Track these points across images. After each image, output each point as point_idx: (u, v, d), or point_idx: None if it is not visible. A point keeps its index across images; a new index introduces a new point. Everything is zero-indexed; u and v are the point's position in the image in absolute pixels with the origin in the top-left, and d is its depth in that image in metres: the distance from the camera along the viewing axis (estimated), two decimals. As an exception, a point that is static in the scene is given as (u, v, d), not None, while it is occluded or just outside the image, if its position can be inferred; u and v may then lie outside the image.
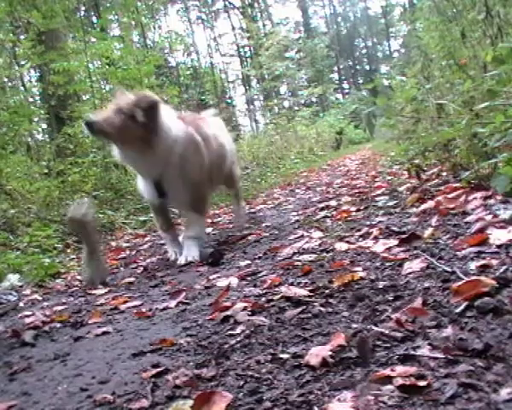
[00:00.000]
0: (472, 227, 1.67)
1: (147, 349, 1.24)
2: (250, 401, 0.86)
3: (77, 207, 2.33)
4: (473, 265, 1.30)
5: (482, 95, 2.46)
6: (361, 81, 39.51)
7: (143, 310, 1.68)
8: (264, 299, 1.46)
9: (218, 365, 1.05)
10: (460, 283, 1.14)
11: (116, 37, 8.17)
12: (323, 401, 0.82)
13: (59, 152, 6.39)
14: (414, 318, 1.06)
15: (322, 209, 3.25)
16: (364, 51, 44.70)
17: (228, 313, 1.38)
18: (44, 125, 8.50)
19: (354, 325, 1.11)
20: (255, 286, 1.66)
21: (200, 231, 2.64)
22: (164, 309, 1.64)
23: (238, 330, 1.23)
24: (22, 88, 8.16)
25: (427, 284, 1.26)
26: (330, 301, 1.32)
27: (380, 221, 2.29)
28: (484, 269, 1.25)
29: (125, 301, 1.87)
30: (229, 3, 32.45)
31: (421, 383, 0.79)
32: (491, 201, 1.93)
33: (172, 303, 1.67)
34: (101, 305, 1.91)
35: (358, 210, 2.80)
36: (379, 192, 3.34)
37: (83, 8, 9.42)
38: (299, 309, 1.29)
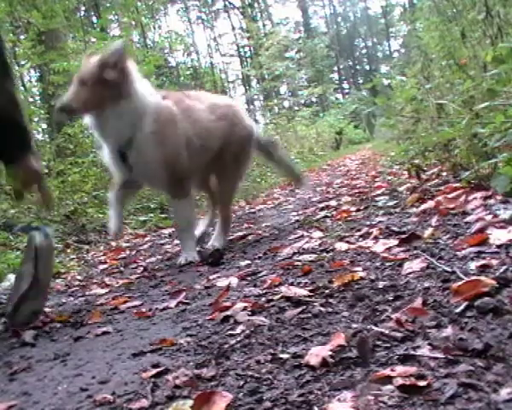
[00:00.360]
0: (472, 227, 1.66)
1: (147, 349, 1.24)
2: (250, 401, 0.86)
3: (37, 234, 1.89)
4: (473, 265, 1.30)
5: (482, 95, 2.46)
6: (361, 81, 39.52)
7: (143, 310, 1.68)
8: (264, 299, 1.46)
9: (218, 365, 1.05)
10: (460, 283, 1.13)
11: (116, 37, 8.17)
12: (323, 401, 0.82)
13: (59, 152, 6.39)
14: (414, 318, 1.06)
15: (322, 209, 3.25)
16: (364, 51, 44.70)
17: (228, 313, 1.38)
18: (44, 125, 8.50)
19: (354, 325, 1.11)
20: (255, 286, 1.66)
21: (189, 218, 2.47)
22: (164, 309, 1.64)
23: (238, 330, 1.23)
24: (22, 88, 8.15)
25: (427, 284, 1.26)
26: (330, 301, 1.32)
27: (380, 221, 2.29)
28: (484, 269, 1.25)
29: (125, 301, 1.87)
30: (229, 3, 32.46)
31: (421, 383, 0.79)
32: (491, 201, 1.93)
33: (172, 303, 1.67)
34: (101, 305, 1.91)
35: (358, 210, 2.80)
36: (379, 192, 3.34)
37: (83, 8, 9.42)
38: (299, 309, 1.29)
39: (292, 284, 1.56)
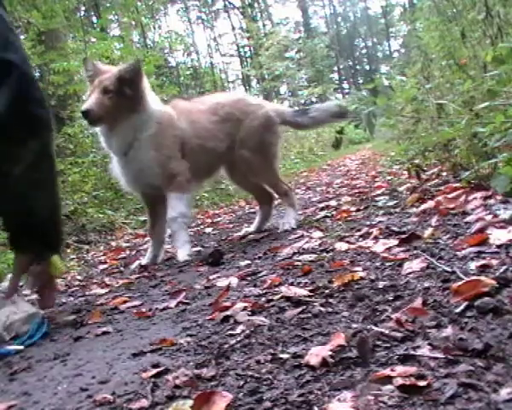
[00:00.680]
0: (472, 227, 1.66)
1: (147, 349, 1.24)
2: (250, 401, 0.86)
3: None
4: (473, 265, 1.30)
5: (482, 95, 2.46)
6: (361, 81, 39.53)
7: (143, 310, 1.68)
8: (264, 299, 1.46)
9: (218, 365, 1.05)
10: (460, 283, 1.13)
11: (116, 37, 8.17)
12: (323, 401, 0.82)
13: (59, 152, 6.38)
14: (414, 318, 1.06)
15: (322, 209, 3.25)
16: (364, 51, 44.71)
17: (228, 313, 1.38)
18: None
19: (354, 325, 1.11)
20: (255, 286, 1.66)
21: (183, 213, 2.52)
22: (164, 309, 1.64)
23: (238, 330, 1.23)
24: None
25: (427, 284, 1.26)
26: (330, 301, 1.32)
27: (380, 221, 2.29)
28: (484, 269, 1.25)
29: (125, 301, 1.87)
30: (229, 3, 32.47)
31: (421, 383, 0.79)
32: (491, 201, 1.93)
33: (172, 303, 1.67)
34: (101, 305, 1.91)
35: (358, 210, 2.80)
36: (379, 192, 3.34)
37: (83, 8, 9.42)
38: (299, 309, 1.29)
39: (292, 284, 1.56)
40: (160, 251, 2.69)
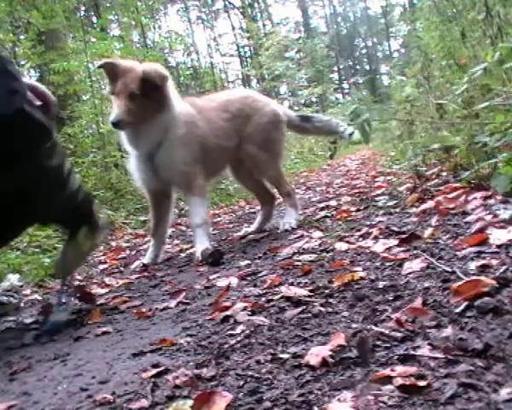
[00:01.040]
0: (472, 227, 1.66)
1: (147, 349, 1.24)
2: (250, 401, 0.86)
3: None
4: (473, 265, 1.30)
5: (481, 94, 2.46)
6: (361, 81, 39.52)
7: (143, 310, 1.68)
8: (264, 299, 1.46)
9: (218, 365, 1.05)
10: (460, 283, 1.13)
11: (116, 37, 8.16)
12: (323, 400, 0.82)
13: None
14: (414, 318, 1.06)
15: (322, 209, 3.25)
16: (364, 51, 44.71)
17: (228, 313, 1.38)
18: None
19: (354, 325, 1.11)
20: (255, 286, 1.66)
21: (203, 216, 2.55)
22: (164, 309, 1.64)
23: (238, 330, 1.23)
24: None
25: (427, 284, 1.26)
26: (330, 301, 1.32)
27: (380, 221, 2.29)
28: (484, 269, 1.25)
29: (125, 301, 1.87)
30: (229, 3, 32.45)
31: (421, 383, 0.79)
32: (491, 201, 1.93)
33: (172, 303, 1.67)
34: (101, 305, 1.91)
35: (358, 210, 2.80)
36: (379, 192, 3.34)
37: (83, 8, 9.40)
38: (299, 309, 1.29)
39: (292, 284, 1.56)
40: (160, 251, 2.71)
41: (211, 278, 1.96)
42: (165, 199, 2.68)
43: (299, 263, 1.84)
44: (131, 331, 1.46)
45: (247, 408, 0.84)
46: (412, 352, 0.91)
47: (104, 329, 1.52)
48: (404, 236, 1.80)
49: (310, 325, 1.18)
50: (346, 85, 41.50)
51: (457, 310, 1.05)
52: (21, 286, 2.56)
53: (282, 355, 1.02)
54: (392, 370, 0.84)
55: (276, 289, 1.53)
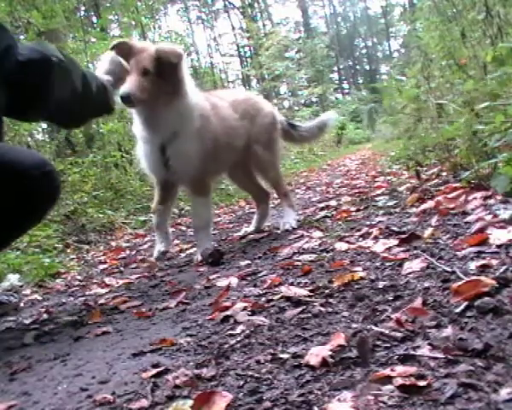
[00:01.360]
0: (472, 227, 1.66)
1: (147, 349, 1.24)
2: (250, 401, 0.86)
3: None
4: (473, 265, 1.30)
5: (483, 95, 2.46)
6: (361, 81, 39.54)
7: (143, 310, 1.68)
8: (264, 299, 1.46)
9: (218, 365, 1.05)
10: (460, 283, 1.13)
11: (116, 37, 8.16)
12: (323, 400, 0.82)
13: (59, 152, 6.39)
14: (414, 318, 1.06)
15: (322, 209, 3.25)
16: (364, 51, 44.72)
17: (228, 313, 1.38)
18: (44, 125, 8.49)
19: (354, 325, 1.11)
20: (255, 286, 1.66)
21: (207, 217, 2.51)
22: (164, 309, 1.64)
23: (238, 330, 1.23)
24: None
25: (427, 284, 1.26)
26: (330, 301, 1.32)
27: (380, 221, 2.29)
28: (484, 269, 1.25)
29: (125, 301, 1.87)
30: (229, 3, 32.46)
31: (421, 383, 0.79)
32: (491, 201, 1.93)
33: (172, 303, 1.67)
34: (101, 305, 1.91)
35: (358, 210, 2.80)
36: (379, 192, 3.34)
37: (83, 8, 9.41)
38: (299, 309, 1.29)
39: (292, 284, 1.56)
40: (168, 236, 2.65)
41: (211, 278, 1.96)
42: (172, 188, 2.59)
43: (299, 263, 1.84)
44: (131, 331, 1.46)
45: (247, 408, 0.84)
46: (412, 352, 0.91)
47: (104, 329, 1.52)
48: (404, 236, 1.80)
49: (310, 325, 1.18)
50: (346, 85, 41.50)
51: (457, 310, 1.05)
52: (21, 286, 2.56)
53: (282, 355, 1.02)
54: (392, 370, 0.84)
55: (276, 289, 1.53)
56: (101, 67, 2.23)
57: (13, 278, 2.55)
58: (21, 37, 7.41)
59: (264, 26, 31.14)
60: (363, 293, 1.31)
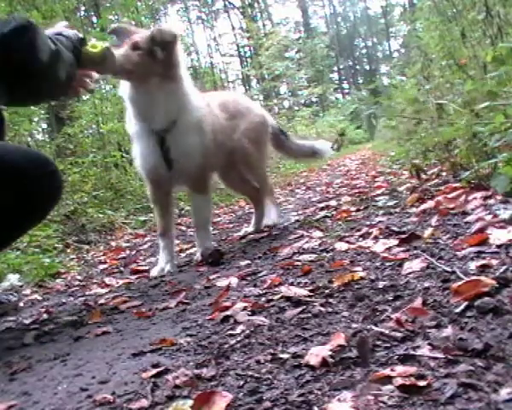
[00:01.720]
0: (472, 227, 1.66)
1: (147, 349, 1.24)
2: (250, 401, 0.86)
3: None
4: (473, 265, 1.29)
5: (483, 95, 2.46)
6: (361, 81, 39.56)
7: (143, 310, 1.68)
8: (264, 299, 1.46)
9: (218, 365, 1.05)
10: (460, 283, 1.13)
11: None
12: (323, 400, 0.82)
13: (59, 152, 6.39)
14: (414, 318, 1.06)
15: (322, 209, 3.25)
16: (364, 51, 44.73)
17: (228, 312, 1.38)
18: (44, 125, 8.50)
19: (354, 325, 1.11)
20: (255, 286, 1.66)
21: (207, 215, 2.48)
22: (164, 309, 1.64)
23: (238, 330, 1.23)
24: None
25: (427, 284, 1.26)
26: (330, 301, 1.32)
27: (380, 221, 2.29)
28: (484, 269, 1.25)
29: (125, 301, 1.87)
30: (229, 3, 32.48)
31: (421, 383, 0.79)
32: (491, 201, 1.93)
33: (172, 303, 1.67)
34: (101, 305, 1.91)
35: (358, 210, 2.80)
36: (379, 192, 3.34)
37: (83, 8, 9.41)
38: (299, 309, 1.29)
39: (292, 284, 1.56)
40: (173, 253, 2.48)
41: (211, 278, 1.96)
42: (167, 195, 2.47)
43: (299, 263, 1.84)
44: (131, 331, 1.46)
45: (247, 408, 0.84)
46: (412, 352, 0.91)
47: (104, 329, 1.52)
48: (404, 236, 1.80)
49: (310, 325, 1.18)
50: (346, 85, 41.51)
51: (457, 310, 1.05)
52: (21, 286, 2.56)
53: (282, 355, 1.02)
54: (392, 370, 0.84)
55: (276, 289, 1.53)
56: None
57: (13, 278, 2.55)
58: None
59: (264, 26, 31.16)
60: (363, 293, 1.31)
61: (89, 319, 1.70)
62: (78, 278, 2.77)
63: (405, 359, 0.90)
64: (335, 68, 40.78)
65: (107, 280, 2.43)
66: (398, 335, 1.00)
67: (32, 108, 6.64)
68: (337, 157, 12.26)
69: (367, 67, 43.16)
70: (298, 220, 3.05)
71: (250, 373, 0.97)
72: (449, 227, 1.81)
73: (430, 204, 2.24)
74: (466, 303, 1.06)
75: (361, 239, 2.00)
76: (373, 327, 1.06)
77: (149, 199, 2.58)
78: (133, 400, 0.95)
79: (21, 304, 2.22)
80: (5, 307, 2.09)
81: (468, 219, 1.81)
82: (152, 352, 1.22)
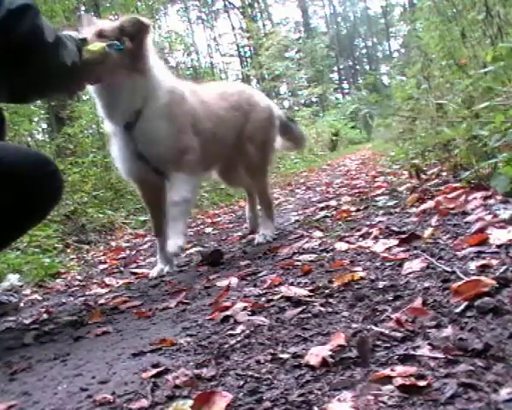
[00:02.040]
0: (472, 227, 1.66)
1: (147, 349, 1.24)
2: (250, 401, 0.86)
3: None
4: (473, 265, 1.30)
5: (481, 94, 2.46)
6: (361, 81, 39.54)
7: (143, 310, 1.68)
8: (264, 299, 1.46)
9: (218, 365, 1.05)
10: (460, 283, 1.13)
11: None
12: (323, 400, 0.82)
13: (59, 152, 6.38)
14: (414, 318, 1.06)
15: (322, 209, 3.25)
16: (364, 51, 44.74)
17: (228, 313, 1.38)
18: (44, 125, 8.50)
19: (354, 325, 1.11)
20: (255, 286, 1.66)
21: (187, 194, 2.19)
22: (164, 309, 1.64)
23: (238, 330, 1.23)
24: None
25: (427, 284, 1.26)
26: (330, 301, 1.32)
27: (380, 221, 2.29)
28: (484, 269, 1.25)
29: (125, 301, 1.87)
30: (229, 3, 32.48)
31: (421, 383, 0.79)
32: (491, 201, 1.93)
33: (172, 303, 1.67)
34: (101, 305, 1.91)
35: (358, 210, 2.80)
36: (379, 192, 3.34)
37: (83, 8, 9.41)
38: (299, 309, 1.29)
39: (292, 284, 1.56)
40: (173, 268, 2.41)
41: (211, 278, 1.96)
42: (158, 190, 2.34)
43: (299, 263, 1.84)
44: (131, 331, 1.46)
45: (247, 408, 0.84)
46: (412, 352, 0.91)
47: (104, 329, 1.52)
48: (404, 236, 1.80)
49: (310, 325, 1.18)
50: (346, 85, 41.52)
51: (457, 310, 1.05)
52: (21, 286, 2.56)
53: (282, 355, 1.02)
54: (392, 370, 0.84)
55: (276, 289, 1.53)
56: None
57: (13, 278, 2.55)
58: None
59: (264, 26, 31.14)
60: (363, 293, 1.31)
61: (89, 319, 1.70)
62: (78, 278, 2.77)
63: (405, 359, 0.90)
64: (335, 68, 40.82)
65: (107, 280, 2.43)
66: (398, 335, 1.00)
67: (32, 107, 6.64)
68: (337, 157, 12.27)
69: (367, 67, 43.14)
70: (298, 220, 3.05)
71: (250, 373, 0.97)
72: (449, 227, 1.81)
73: (430, 204, 2.24)
74: (466, 303, 1.06)
75: (361, 239, 2.00)
76: (373, 327, 1.06)
77: (141, 200, 2.50)
78: (133, 400, 0.95)
79: (21, 304, 2.22)
80: (5, 307, 2.09)
81: (468, 219, 1.81)
82: (152, 352, 1.22)
